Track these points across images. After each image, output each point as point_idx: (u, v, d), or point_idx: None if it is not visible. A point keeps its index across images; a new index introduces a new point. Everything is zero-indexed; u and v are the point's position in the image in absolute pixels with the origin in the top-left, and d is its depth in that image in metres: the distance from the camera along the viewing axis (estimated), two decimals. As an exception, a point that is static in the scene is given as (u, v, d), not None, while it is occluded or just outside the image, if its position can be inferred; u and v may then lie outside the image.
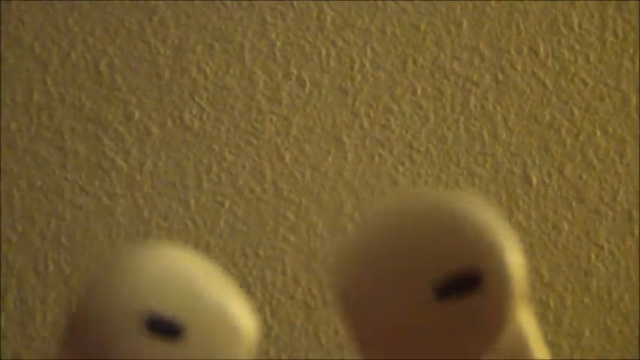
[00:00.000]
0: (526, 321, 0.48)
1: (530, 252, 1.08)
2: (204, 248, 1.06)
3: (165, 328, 0.42)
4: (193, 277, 0.45)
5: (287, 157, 1.06)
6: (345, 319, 0.46)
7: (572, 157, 1.08)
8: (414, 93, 1.07)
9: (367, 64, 1.06)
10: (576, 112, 1.08)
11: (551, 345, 1.08)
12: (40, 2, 1.05)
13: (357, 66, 1.06)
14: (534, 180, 1.07)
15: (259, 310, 1.07)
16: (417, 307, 0.45)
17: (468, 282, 0.44)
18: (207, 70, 1.06)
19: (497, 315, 0.45)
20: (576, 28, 1.07)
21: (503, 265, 0.45)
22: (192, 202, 1.06)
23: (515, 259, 0.46)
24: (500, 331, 0.45)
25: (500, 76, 1.07)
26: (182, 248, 0.47)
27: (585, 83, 1.08)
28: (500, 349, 0.46)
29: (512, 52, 1.07)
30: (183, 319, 0.43)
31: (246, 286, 1.06)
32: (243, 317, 0.45)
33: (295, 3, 1.06)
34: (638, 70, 1.08)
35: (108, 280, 0.44)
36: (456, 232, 0.45)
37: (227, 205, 1.06)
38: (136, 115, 1.06)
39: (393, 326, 0.45)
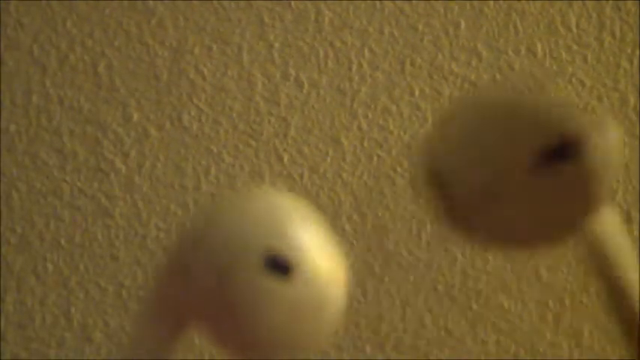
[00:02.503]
0: (611, 224, 0.49)
1: (528, 252, 1.08)
2: (203, 249, 1.06)
3: (279, 267, 0.43)
4: (302, 220, 0.46)
5: (285, 158, 1.06)
6: (442, 197, 0.46)
7: (570, 157, 1.08)
8: (412, 94, 1.07)
9: (365, 65, 1.06)
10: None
11: (551, 345, 1.08)
12: (39, 4, 1.05)
13: (355, 67, 1.06)
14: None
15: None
16: (516, 175, 0.45)
17: (567, 150, 0.45)
18: (206, 71, 1.06)
19: (594, 183, 0.45)
20: (574, 29, 1.07)
21: (602, 134, 0.46)
22: (191, 203, 1.06)
23: (613, 132, 0.46)
24: (597, 200, 0.45)
25: (498, 77, 1.07)
26: (288, 193, 0.48)
27: (583, 84, 1.08)
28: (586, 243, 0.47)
29: (510, 52, 1.07)
30: (294, 259, 0.45)
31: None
32: (340, 261, 0.47)
33: (293, 4, 1.06)
34: (636, 71, 1.08)
35: (225, 217, 0.45)
36: (554, 104, 0.46)
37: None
38: (135, 116, 1.06)
39: (491, 196, 0.45)
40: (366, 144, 1.06)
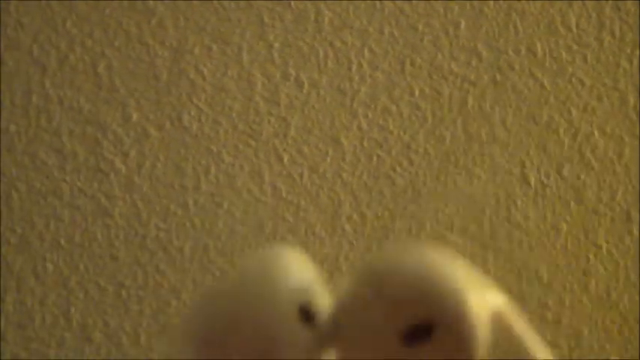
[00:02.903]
0: None
1: (528, 252, 1.08)
2: (203, 250, 1.06)
3: (311, 317, 0.51)
4: (317, 273, 0.54)
5: (285, 159, 1.06)
6: None
7: (570, 157, 1.08)
8: (412, 94, 1.07)
9: (365, 65, 1.06)
10: (574, 112, 1.08)
11: (551, 345, 1.08)
12: (38, 4, 1.05)
13: (354, 67, 1.06)
14: (532, 180, 1.07)
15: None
16: (388, 352, 0.52)
17: (425, 331, 0.51)
18: (206, 71, 1.06)
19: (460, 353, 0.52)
20: (574, 29, 1.07)
21: (451, 316, 0.52)
22: (191, 203, 1.06)
23: (466, 311, 0.52)
24: None
25: (498, 77, 1.07)
26: (295, 249, 0.53)
27: (583, 83, 1.08)
28: None
29: (510, 52, 1.07)
30: (318, 309, 0.53)
31: (245, 287, 1.06)
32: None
33: (293, 4, 1.06)
34: (635, 70, 1.08)
35: (262, 278, 0.51)
36: (418, 284, 0.52)
37: (225, 206, 1.06)
38: (135, 117, 1.06)
39: None
40: (365, 144, 1.06)
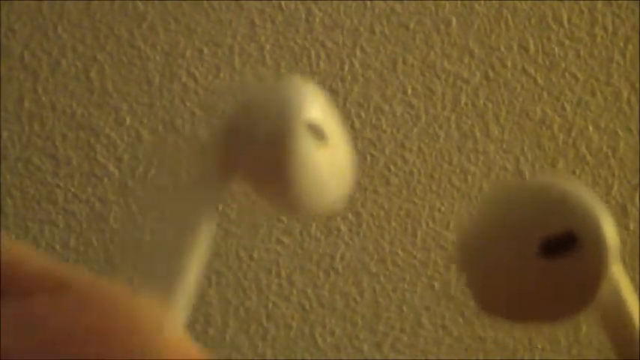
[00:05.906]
0: (618, 275, 0.56)
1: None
2: (199, 252, 1.06)
3: (319, 134, 0.51)
4: (323, 98, 0.54)
5: (279, 160, 1.06)
6: (464, 275, 0.55)
7: (564, 152, 1.07)
8: (405, 92, 1.06)
9: (357, 65, 1.06)
10: (568, 107, 1.07)
11: (549, 341, 1.08)
12: (29, 10, 1.05)
13: (346, 66, 1.06)
14: (527, 176, 1.07)
15: (254, 313, 1.06)
16: (524, 262, 0.53)
17: (568, 242, 0.52)
18: (197, 74, 1.06)
19: (595, 270, 0.52)
20: (566, 24, 1.07)
21: (597, 226, 0.53)
22: (185, 206, 1.06)
23: (608, 224, 0.54)
24: (598, 285, 0.52)
25: (491, 74, 1.07)
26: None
27: (576, 78, 1.07)
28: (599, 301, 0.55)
29: (502, 49, 1.07)
30: (327, 128, 0.52)
31: (241, 289, 1.06)
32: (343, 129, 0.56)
33: (283, 5, 1.06)
34: (629, 64, 1.07)
35: (274, 92, 0.52)
36: (558, 202, 0.54)
37: (220, 207, 1.06)
38: (128, 121, 1.06)
39: (504, 281, 0.53)
40: (359, 143, 1.06)
